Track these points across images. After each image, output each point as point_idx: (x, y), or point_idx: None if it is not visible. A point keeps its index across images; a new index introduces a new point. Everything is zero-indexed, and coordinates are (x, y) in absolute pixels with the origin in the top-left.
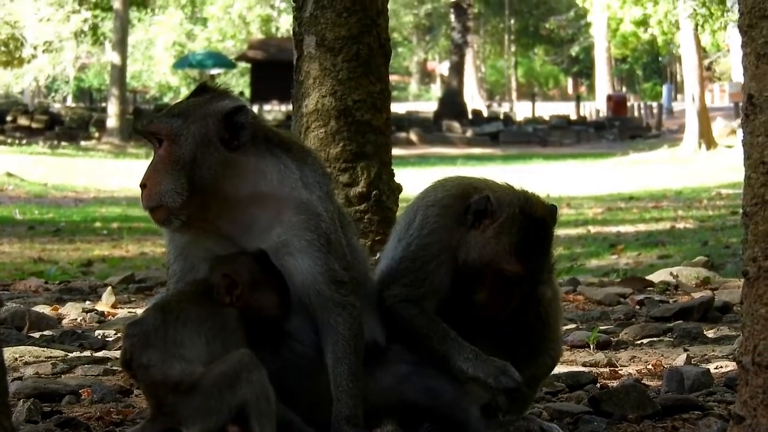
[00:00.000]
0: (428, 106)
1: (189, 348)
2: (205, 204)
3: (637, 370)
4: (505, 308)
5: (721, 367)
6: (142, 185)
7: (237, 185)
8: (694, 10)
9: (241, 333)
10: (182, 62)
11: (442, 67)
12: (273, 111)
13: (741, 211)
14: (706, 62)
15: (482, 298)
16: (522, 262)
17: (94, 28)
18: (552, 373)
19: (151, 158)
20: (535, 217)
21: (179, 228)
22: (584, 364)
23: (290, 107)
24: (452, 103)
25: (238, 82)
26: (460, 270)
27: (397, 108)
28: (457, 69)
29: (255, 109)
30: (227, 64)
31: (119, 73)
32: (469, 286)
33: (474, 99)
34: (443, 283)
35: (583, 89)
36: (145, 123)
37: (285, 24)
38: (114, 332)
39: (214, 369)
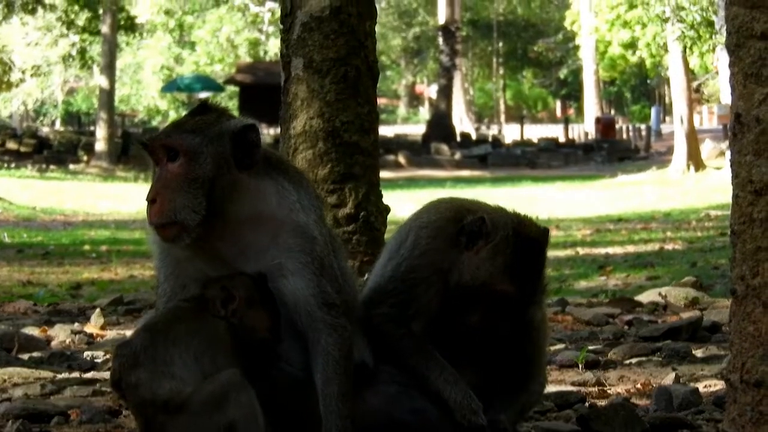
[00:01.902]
0: (417, 129)
1: (178, 366)
2: (209, 223)
3: (625, 390)
4: (497, 331)
5: (710, 386)
6: (151, 200)
7: (238, 206)
8: (683, 32)
9: (230, 349)
10: (170, 86)
11: (431, 90)
12: (261, 135)
13: (729, 230)
14: (694, 84)
15: (475, 321)
16: (516, 283)
17: (82, 52)
18: None
19: (159, 174)
20: (529, 238)
21: (185, 247)
22: (573, 384)
23: (278, 131)
24: (441, 125)
25: (226, 106)
26: (452, 292)
27: (385, 131)
28: (446, 92)
29: None
30: (215, 87)
31: (107, 96)
32: (461, 308)
33: (462, 122)
34: (431, 306)
35: (571, 112)
36: (160, 138)
37: (273, 48)
38: (103, 354)
39: (202, 388)
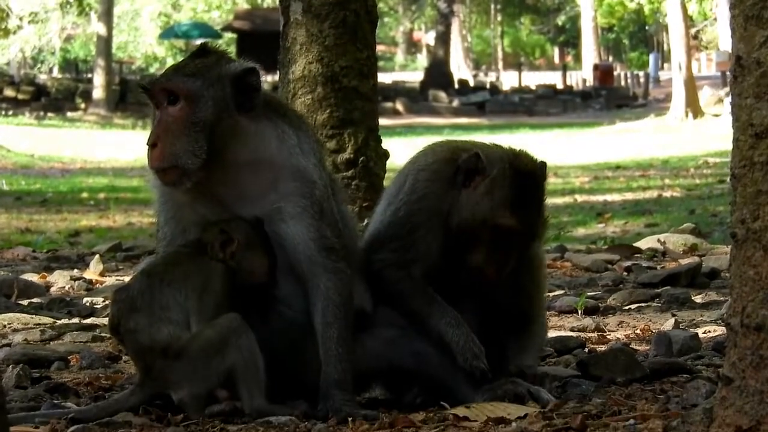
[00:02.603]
0: (414, 76)
1: (175, 310)
2: (210, 167)
3: (625, 335)
4: (502, 269)
5: (709, 331)
6: (152, 144)
7: (239, 149)
8: None
9: (224, 290)
10: (168, 33)
11: (428, 37)
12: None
13: (729, 174)
14: (692, 31)
15: (478, 260)
16: (517, 215)
17: None
18: None
19: (159, 118)
20: (525, 170)
21: (185, 191)
22: (572, 329)
23: (276, 78)
24: (438, 73)
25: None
26: (454, 234)
27: (383, 78)
28: (443, 39)
29: None
30: (213, 34)
31: (105, 44)
32: (463, 250)
33: (460, 69)
34: (431, 250)
35: (569, 59)
36: (160, 81)
37: None
38: (102, 299)
39: (201, 334)
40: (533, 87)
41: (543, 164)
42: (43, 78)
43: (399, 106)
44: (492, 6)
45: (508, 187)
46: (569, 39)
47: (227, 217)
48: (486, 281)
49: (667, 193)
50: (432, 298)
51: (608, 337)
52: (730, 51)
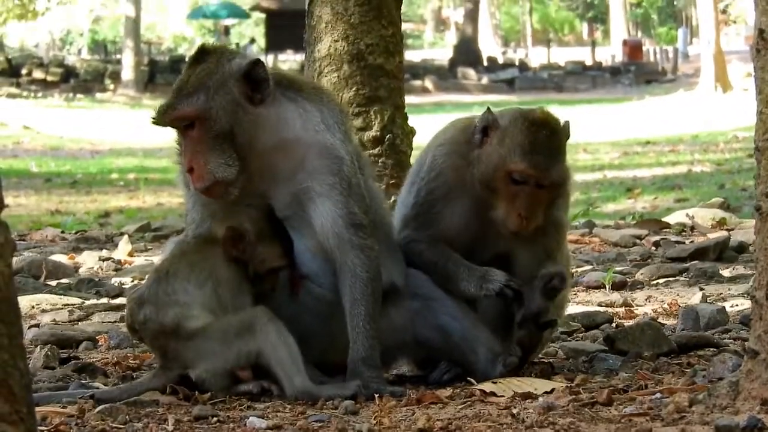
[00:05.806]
0: (443, 54)
1: (180, 293)
2: (245, 167)
3: (652, 310)
4: (528, 220)
5: (737, 305)
6: (189, 170)
7: (263, 138)
8: None
9: (235, 276)
10: (196, 13)
11: (457, 15)
12: (288, 60)
13: (754, 147)
14: (721, 5)
15: (501, 214)
16: (528, 159)
17: None
18: (567, 313)
19: (184, 142)
20: (536, 119)
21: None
22: (600, 304)
23: (304, 56)
24: (467, 50)
25: (252, 32)
26: (481, 196)
27: (411, 56)
28: (472, 16)
29: (270, 58)
30: (241, 14)
31: (133, 24)
32: (490, 208)
33: (489, 46)
34: (456, 222)
35: (598, 34)
36: (168, 113)
37: None
38: (130, 280)
39: (224, 319)
40: (562, 63)
41: (566, 122)
42: (71, 59)
43: (428, 84)
44: None
45: (518, 134)
46: (598, 14)
47: (235, 212)
48: (514, 234)
49: (697, 168)
50: (449, 258)
51: (636, 311)
52: None
